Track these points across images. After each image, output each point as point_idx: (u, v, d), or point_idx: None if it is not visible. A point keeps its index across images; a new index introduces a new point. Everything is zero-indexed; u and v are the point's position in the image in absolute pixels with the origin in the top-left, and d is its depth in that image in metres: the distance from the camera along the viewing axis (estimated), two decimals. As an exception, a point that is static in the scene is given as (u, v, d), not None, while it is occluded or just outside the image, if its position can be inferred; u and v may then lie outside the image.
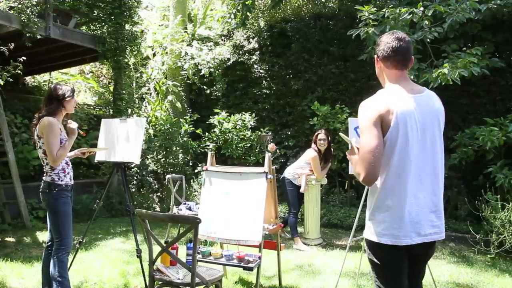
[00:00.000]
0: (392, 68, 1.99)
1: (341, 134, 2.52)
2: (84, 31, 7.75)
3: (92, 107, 10.50)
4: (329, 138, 5.46)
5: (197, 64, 8.84)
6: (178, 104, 8.83)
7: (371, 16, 5.90)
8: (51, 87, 3.24)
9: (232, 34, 9.14)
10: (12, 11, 5.95)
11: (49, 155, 3.01)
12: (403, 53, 1.96)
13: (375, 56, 2.06)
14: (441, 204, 1.97)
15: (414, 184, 1.88)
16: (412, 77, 5.69)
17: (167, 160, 8.04)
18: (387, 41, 1.98)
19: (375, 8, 5.97)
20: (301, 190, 5.40)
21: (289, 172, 5.53)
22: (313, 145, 5.46)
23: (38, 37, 6.28)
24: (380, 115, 1.86)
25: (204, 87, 9.12)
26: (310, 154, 5.41)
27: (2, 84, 5.33)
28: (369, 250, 2.00)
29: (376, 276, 2.00)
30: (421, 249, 1.94)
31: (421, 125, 1.89)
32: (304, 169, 5.43)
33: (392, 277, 1.96)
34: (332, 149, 5.72)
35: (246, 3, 7.69)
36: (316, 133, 5.50)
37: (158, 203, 7.92)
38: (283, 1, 7.96)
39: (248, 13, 7.98)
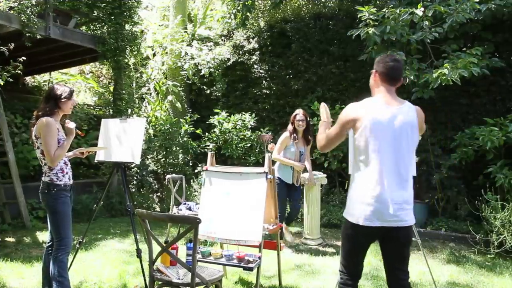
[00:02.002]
0: (385, 82, 2.42)
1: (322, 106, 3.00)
2: (84, 31, 7.75)
3: (92, 107, 10.49)
4: (308, 119, 5.22)
5: (197, 64, 8.84)
6: (178, 104, 8.83)
7: (371, 16, 5.90)
8: (51, 86, 3.25)
9: (232, 34, 9.14)
10: (12, 11, 5.94)
11: (47, 155, 3.01)
12: (397, 72, 2.42)
13: (374, 70, 2.47)
14: (406, 197, 2.35)
15: (380, 179, 2.29)
16: (412, 77, 5.70)
17: (167, 160, 8.04)
18: (386, 60, 2.43)
19: (375, 9, 5.97)
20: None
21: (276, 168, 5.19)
22: (289, 126, 5.21)
23: (38, 37, 6.28)
24: (351, 119, 2.36)
25: (204, 87, 9.12)
26: (282, 135, 5.21)
27: (2, 84, 5.32)
28: (342, 227, 2.55)
29: (341, 249, 2.55)
30: (390, 232, 2.34)
31: (393, 132, 2.30)
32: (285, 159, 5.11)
33: (350, 252, 2.47)
34: (310, 132, 5.34)
35: (246, 3, 7.69)
36: (294, 114, 5.21)
37: (158, 203, 7.92)
38: (283, 2, 7.93)
39: (248, 13, 7.98)
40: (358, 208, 2.35)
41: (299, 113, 5.18)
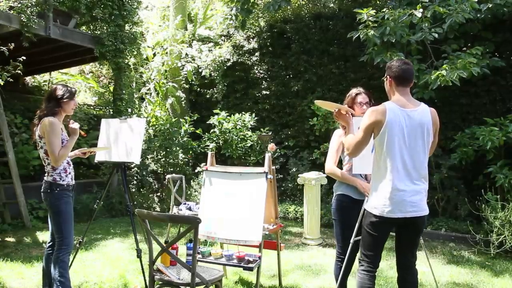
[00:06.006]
0: (398, 85, 2.61)
1: (317, 102, 3.10)
2: (84, 31, 7.75)
3: (92, 107, 10.49)
4: (373, 102, 3.23)
5: (197, 66, 8.83)
6: (178, 107, 8.83)
7: (370, 18, 5.90)
8: (53, 87, 3.27)
9: (232, 34, 9.13)
10: (12, 11, 5.94)
11: (51, 154, 3.02)
12: (408, 74, 2.61)
13: (387, 76, 2.66)
14: (423, 189, 2.59)
15: (398, 175, 2.53)
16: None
17: (167, 160, 8.04)
18: (396, 65, 2.62)
19: (374, 11, 5.97)
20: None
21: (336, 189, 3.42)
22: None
23: (38, 37, 6.27)
24: (374, 122, 2.53)
25: (205, 90, 9.11)
26: (333, 136, 3.29)
27: (2, 84, 5.32)
28: (364, 219, 2.69)
29: (362, 240, 2.71)
30: (409, 222, 2.57)
31: (407, 133, 2.52)
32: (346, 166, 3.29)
33: (373, 242, 2.64)
34: None
35: (245, 7, 7.66)
36: (353, 94, 3.29)
37: (158, 203, 7.91)
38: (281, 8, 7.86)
39: (247, 15, 7.95)
40: (381, 202, 2.56)
41: (360, 92, 3.27)
